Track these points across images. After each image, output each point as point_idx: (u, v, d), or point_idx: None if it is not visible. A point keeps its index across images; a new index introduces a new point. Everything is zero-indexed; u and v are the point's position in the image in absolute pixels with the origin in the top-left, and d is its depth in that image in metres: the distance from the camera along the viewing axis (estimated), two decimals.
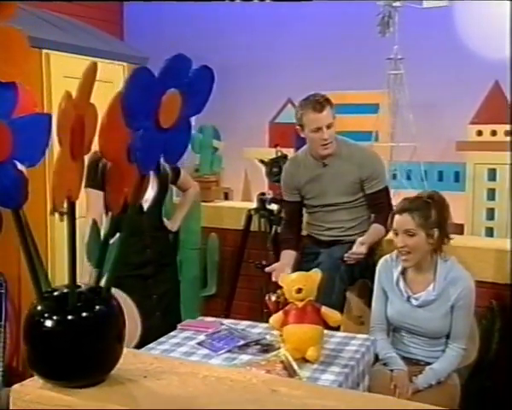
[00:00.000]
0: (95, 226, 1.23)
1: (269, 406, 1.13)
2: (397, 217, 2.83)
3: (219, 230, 4.52)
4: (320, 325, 2.42)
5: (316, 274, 2.49)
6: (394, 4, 3.67)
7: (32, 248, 1.14)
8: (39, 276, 1.18)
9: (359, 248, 3.25)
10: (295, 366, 2.11)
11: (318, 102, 3.37)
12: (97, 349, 1.17)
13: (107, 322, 1.20)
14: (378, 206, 3.45)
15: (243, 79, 6.08)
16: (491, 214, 4.63)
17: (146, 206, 3.38)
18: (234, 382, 1.23)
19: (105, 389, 1.18)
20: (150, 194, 3.40)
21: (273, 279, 3.29)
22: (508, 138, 4.50)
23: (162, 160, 1.20)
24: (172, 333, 2.69)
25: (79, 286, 1.21)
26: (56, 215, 4.22)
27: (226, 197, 5.37)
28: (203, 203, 4.53)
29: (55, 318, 1.14)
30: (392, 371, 2.75)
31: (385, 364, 2.81)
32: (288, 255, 3.57)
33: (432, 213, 2.81)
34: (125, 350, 1.38)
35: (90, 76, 1.02)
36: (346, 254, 3.22)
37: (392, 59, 3.88)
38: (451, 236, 2.91)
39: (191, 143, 4.95)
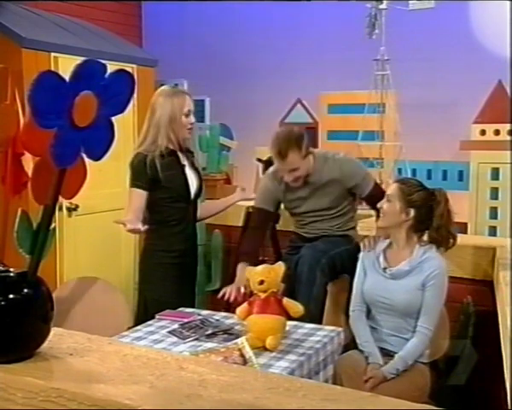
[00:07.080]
0: (24, 216, 1.35)
1: (170, 378, 1.24)
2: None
3: (223, 227, 4.62)
4: (282, 315, 2.50)
5: (279, 267, 2.57)
6: (380, 6, 3.73)
7: None
8: None
9: None
10: (250, 354, 2.20)
11: (281, 150, 3.26)
12: (22, 329, 1.30)
13: (33, 304, 1.32)
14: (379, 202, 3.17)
15: (258, 79, 6.17)
16: (494, 213, 4.65)
17: (193, 194, 3.37)
18: (149, 360, 1.34)
19: (29, 365, 1.30)
20: (195, 184, 3.39)
21: (231, 300, 3.19)
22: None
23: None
24: (150, 322, 2.79)
25: (8, 271, 1.34)
26: (65, 211, 4.41)
27: None
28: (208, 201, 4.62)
29: None
30: (367, 358, 2.81)
31: (361, 351, 2.85)
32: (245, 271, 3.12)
33: (416, 194, 2.91)
34: (62, 331, 1.51)
35: None
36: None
37: (379, 60, 3.95)
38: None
39: (198, 142, 5.07)
